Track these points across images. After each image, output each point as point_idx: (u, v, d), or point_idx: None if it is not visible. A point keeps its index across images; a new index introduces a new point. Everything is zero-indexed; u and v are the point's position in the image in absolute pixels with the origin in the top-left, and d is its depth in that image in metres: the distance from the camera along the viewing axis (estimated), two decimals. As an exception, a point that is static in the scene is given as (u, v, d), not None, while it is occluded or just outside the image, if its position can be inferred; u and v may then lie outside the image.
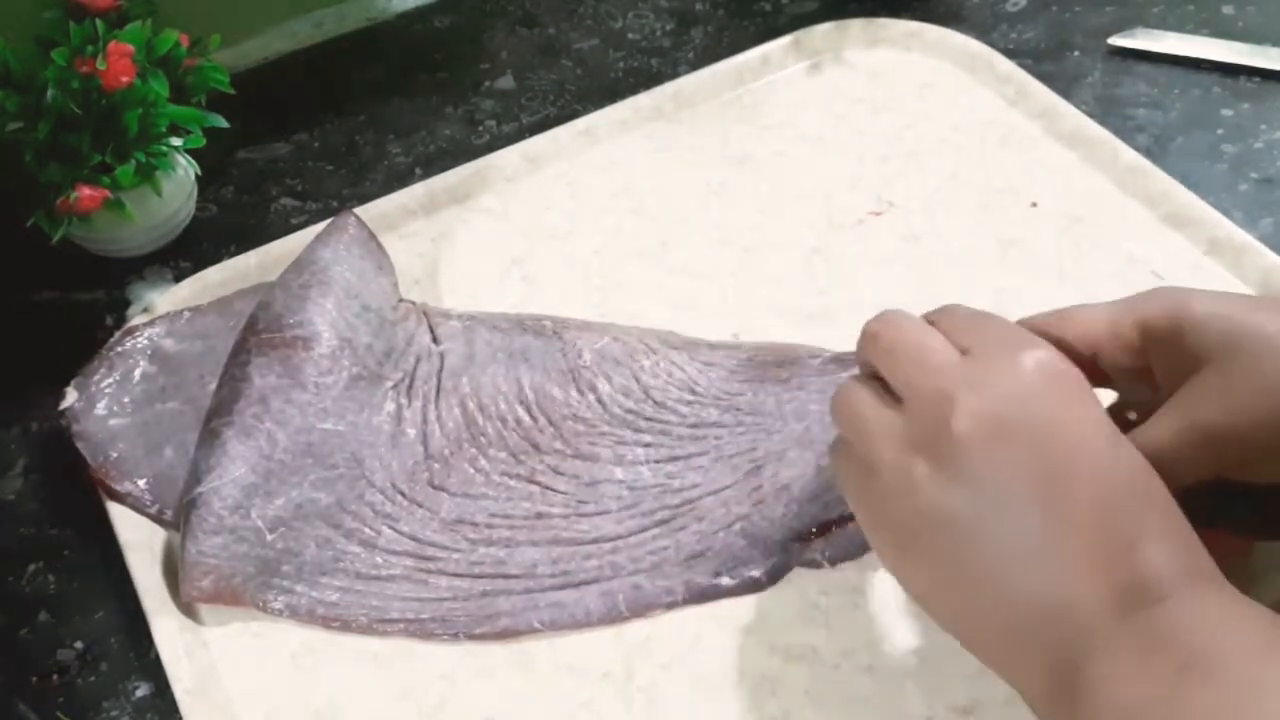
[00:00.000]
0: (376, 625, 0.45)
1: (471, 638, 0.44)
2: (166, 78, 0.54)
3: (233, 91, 0.57)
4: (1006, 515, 0.33)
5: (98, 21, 0.53)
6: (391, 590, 0.45)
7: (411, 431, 0.49)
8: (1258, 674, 0.29)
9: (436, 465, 0.48)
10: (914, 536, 0.35)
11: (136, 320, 0.54)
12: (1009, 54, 0.66)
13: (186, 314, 0.54)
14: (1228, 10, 0.67)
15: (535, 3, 0.73)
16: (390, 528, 0.47)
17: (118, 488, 0.48)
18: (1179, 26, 0.67)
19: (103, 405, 0.51)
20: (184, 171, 0.58)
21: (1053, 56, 0.66)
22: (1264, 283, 0.52)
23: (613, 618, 0.44)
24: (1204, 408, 0.37)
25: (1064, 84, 0.64)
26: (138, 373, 0.52)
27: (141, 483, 0.49)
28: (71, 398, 0.51)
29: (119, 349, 0.52)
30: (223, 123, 0.56)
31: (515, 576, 0.45)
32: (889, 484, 0.35)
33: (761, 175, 0.60)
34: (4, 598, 0.48)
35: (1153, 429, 0.37)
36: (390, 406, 0.49)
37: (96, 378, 0.51)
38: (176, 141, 0.55)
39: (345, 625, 0.45)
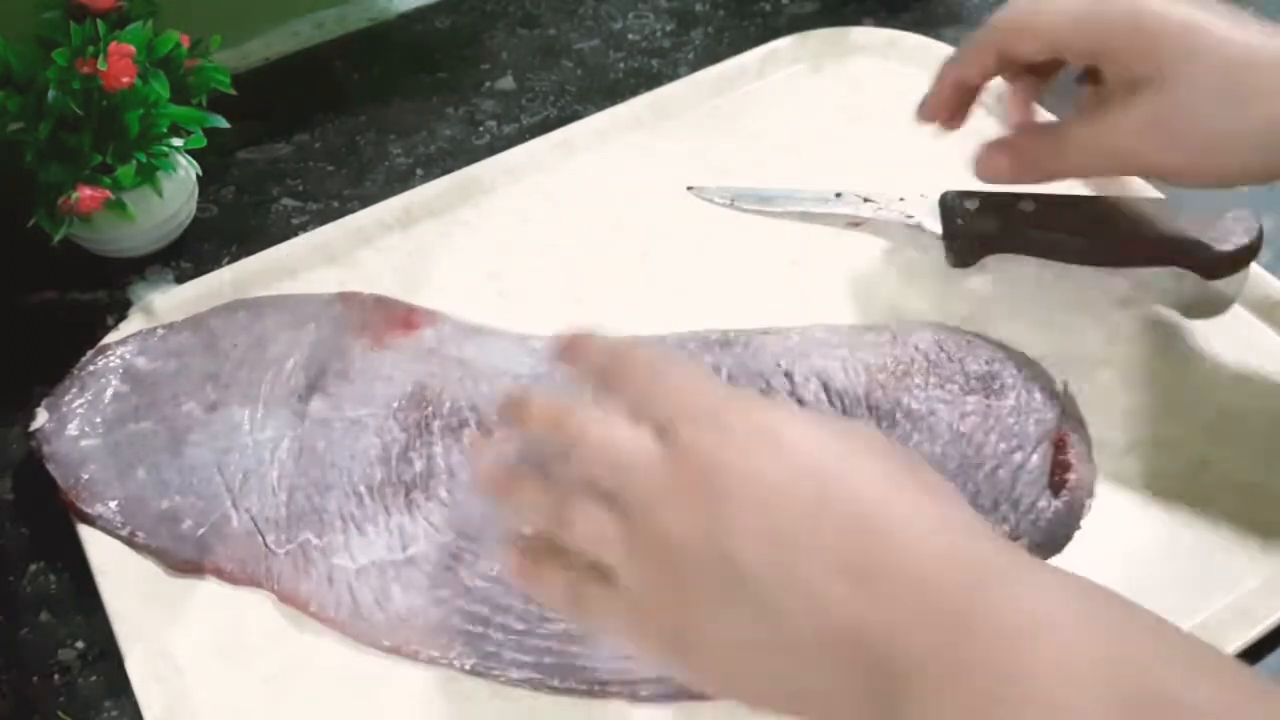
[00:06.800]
0: (591, 687, 0.43)
1: (693, 696, 0.42)
2: (167, 78, 0.54)
3: (234, 92, 0.57)
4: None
5: (99, 22, 0.53)
6: (601, 646, 0.44)
7: None
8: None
9: None
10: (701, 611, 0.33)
11: (109, 339, 0.54)
12: (1009, 55, 0.66)
13: (160, 332, 0.54)
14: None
15: (535, 3, 0.73)
16: None
17: (89, 510, 0.48)
18: (1179, 28, 0.67)
19: (74, 426, 0.50)
20: (185, 172, 0.58)
21: (1052, 58, 0.66)
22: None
23: None
24: (1136, 138, 0.44)
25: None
26: (109, 392, 0.51)
27: (113, 504, 0.48)
28: (42, 419, 0.50)
29: (90, 368, 0.52)
30: (223, 123, 0.56)
31: None
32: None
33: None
34: (4, 598, 0.48)
35: (1087, 136, 0.46)
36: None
37: (68, 398, 0.51)
38: (177, 142, 0.55)
39: (565, 688, 0.43)
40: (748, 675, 0.33)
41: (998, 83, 0.62)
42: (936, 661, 0.30)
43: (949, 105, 0.51)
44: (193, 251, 0.60)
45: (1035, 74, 0.50)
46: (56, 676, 0.46)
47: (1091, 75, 0.47)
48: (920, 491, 0.33)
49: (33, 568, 0.49)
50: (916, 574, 0.31)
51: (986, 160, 0.50)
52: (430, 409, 0.50)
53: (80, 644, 0.46)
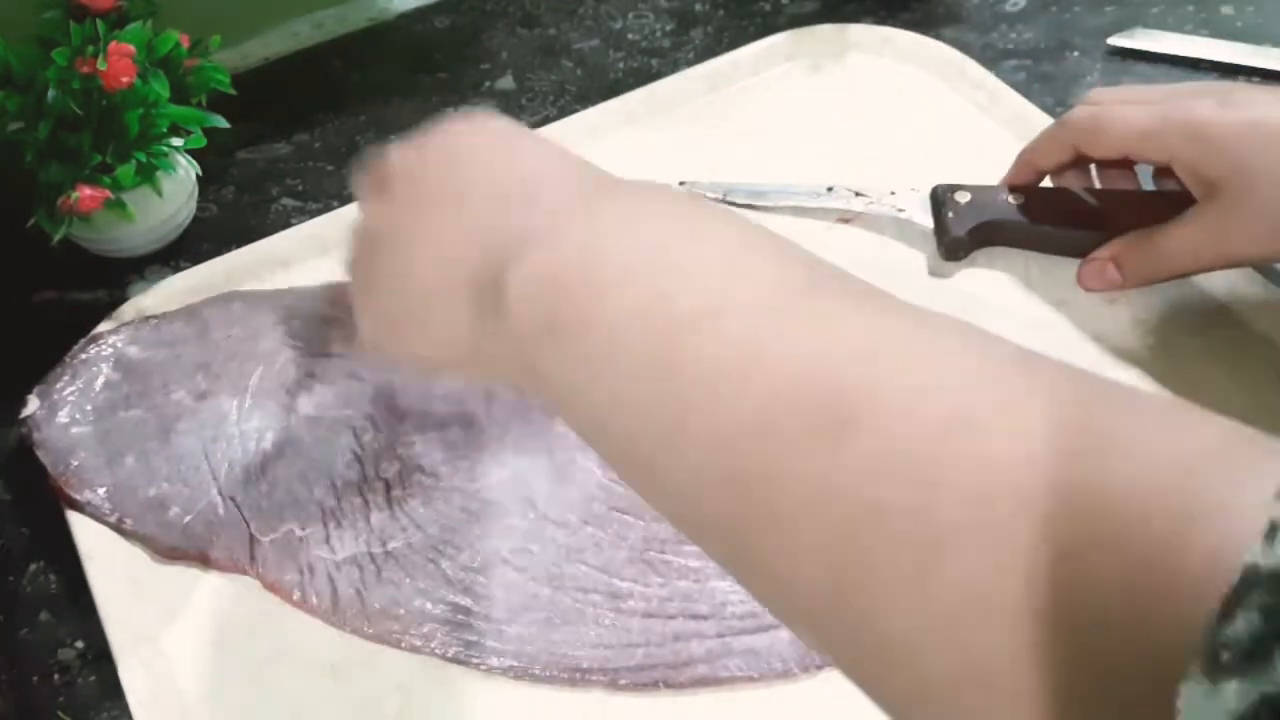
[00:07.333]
0: (572, 675, 0.43)
1: (670, 687, 0.43)
2: (167, 78, 0.54)
3: (233, 92, 0.57)
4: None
5: (98, 22, 0.53)
6: (582, 635, 0.44)
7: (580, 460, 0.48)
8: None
9: (620, 489, 0.47)
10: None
11: (101, 327, 0.54)
12: (1008, 54, 0.66)
13: (153, 321, 0.54)
14: (1227, 10, 0.67)
15: (535, 3, 0.73)
16: (580, 562, 0.46)
17: (77, 496, 0.48)
18: (1178, 26, 0.67)
19: (64, 413, 0.50)
20: (184, 172, 0.58)
21: (1052, 57, 0.66)
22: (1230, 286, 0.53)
23: (805, 665, 0.43)
24: (1222, 238, 0.48)
25: (1063, 84, 0.64)
26: (100, 380, 0.51)
27: (102, 491, 0.48)
28: (33, 405, 0.50)
29: (82, 356, 0.52)
30: (223, 123, 0.56)
31: (705, 618, 0.44)
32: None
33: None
34: (4, 598, 0.48)
35: (1176, 241, 0.49)
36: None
37: (59, 385, 0.51)
38: (177, 142, 0.55)
39: (546, 677, 0.43)
40: (424, 320, 0.38)
41: (994, 83, 0.63)
42: (523, 244, 0.34)
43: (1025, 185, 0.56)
44: (193, 251, 0.60)
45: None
46: (56, 676, 0.46)
47: (1163, 170, 0.51)
48: (578, 165, 0.39)
49: (33, 568, 0.49)
50: (544, 197, 0.37)
51: (1099, 275, 0.52)
52: (408, 409, 0.50)
53: (80, 644, 0.46)
